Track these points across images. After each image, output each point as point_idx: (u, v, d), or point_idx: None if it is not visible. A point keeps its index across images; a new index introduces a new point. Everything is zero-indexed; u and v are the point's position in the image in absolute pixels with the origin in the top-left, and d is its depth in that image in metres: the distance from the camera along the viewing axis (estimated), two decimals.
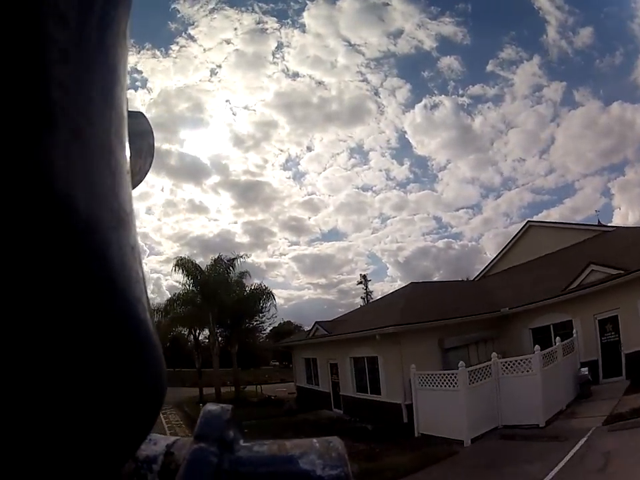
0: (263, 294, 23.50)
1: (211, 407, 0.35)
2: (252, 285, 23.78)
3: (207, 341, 25.84)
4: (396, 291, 22.34)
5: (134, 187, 0.53)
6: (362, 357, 16.26)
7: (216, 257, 23.17)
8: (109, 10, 0.23)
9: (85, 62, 0.22)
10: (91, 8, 0.22)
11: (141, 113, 0.57)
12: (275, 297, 24.26)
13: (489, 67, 58.44)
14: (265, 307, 23.95)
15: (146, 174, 0.58)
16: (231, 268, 22.65)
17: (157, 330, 0.26)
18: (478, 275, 25.40)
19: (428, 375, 12.78)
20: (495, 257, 24.49)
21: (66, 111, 0.21)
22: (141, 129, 0.54)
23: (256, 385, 28.41)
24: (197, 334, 28.30)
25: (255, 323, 25.86)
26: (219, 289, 21.64)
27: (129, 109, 0.49)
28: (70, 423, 0.21)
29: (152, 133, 0.58)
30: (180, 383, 28.60)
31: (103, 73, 0.23)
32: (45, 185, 0.20)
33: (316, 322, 20.65)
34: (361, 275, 54.98)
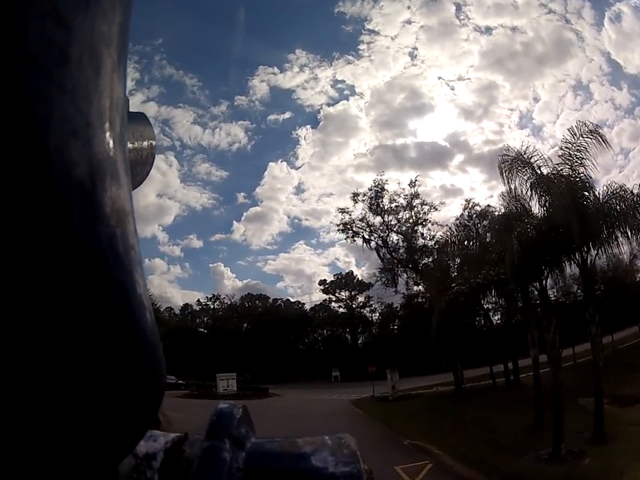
0: None
1: (223, 405, 0.35)
2: None
3: None
4: None
5: (135, 187, 0.53)
6: None
7: None
8: (109, 9, 0.23)
9: (83, 62, 0.22)
10: (90, 7, 0.22)
11: (143, 114, 0.56)
12: None
13: None
14: None
15: (147, 174, 0.58)
16: None
17: (156, 326, 0.26)
18: None
19: None
20: None
21: (65, 112, 0.21)
22: (142, 130, 0.54)
23: None
24: None
25: None
26: None
27: (130, 110, 0.49)
28: (69, 418, 0.22)
29: (153, 133, 0.57)
30: None
31: (103, 73, 0.23)
32: (44, 184, 0.20)
33: None
34: None
